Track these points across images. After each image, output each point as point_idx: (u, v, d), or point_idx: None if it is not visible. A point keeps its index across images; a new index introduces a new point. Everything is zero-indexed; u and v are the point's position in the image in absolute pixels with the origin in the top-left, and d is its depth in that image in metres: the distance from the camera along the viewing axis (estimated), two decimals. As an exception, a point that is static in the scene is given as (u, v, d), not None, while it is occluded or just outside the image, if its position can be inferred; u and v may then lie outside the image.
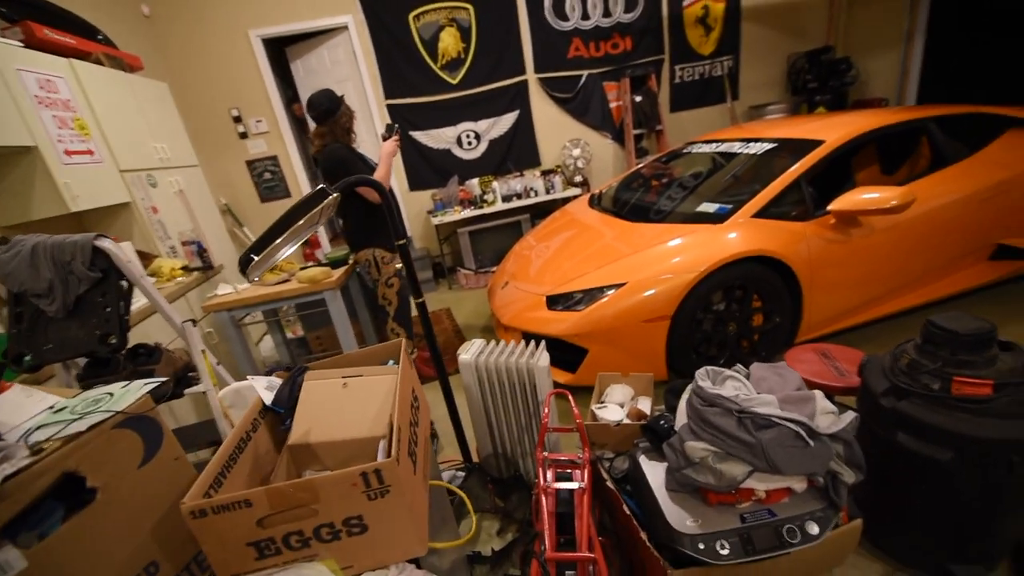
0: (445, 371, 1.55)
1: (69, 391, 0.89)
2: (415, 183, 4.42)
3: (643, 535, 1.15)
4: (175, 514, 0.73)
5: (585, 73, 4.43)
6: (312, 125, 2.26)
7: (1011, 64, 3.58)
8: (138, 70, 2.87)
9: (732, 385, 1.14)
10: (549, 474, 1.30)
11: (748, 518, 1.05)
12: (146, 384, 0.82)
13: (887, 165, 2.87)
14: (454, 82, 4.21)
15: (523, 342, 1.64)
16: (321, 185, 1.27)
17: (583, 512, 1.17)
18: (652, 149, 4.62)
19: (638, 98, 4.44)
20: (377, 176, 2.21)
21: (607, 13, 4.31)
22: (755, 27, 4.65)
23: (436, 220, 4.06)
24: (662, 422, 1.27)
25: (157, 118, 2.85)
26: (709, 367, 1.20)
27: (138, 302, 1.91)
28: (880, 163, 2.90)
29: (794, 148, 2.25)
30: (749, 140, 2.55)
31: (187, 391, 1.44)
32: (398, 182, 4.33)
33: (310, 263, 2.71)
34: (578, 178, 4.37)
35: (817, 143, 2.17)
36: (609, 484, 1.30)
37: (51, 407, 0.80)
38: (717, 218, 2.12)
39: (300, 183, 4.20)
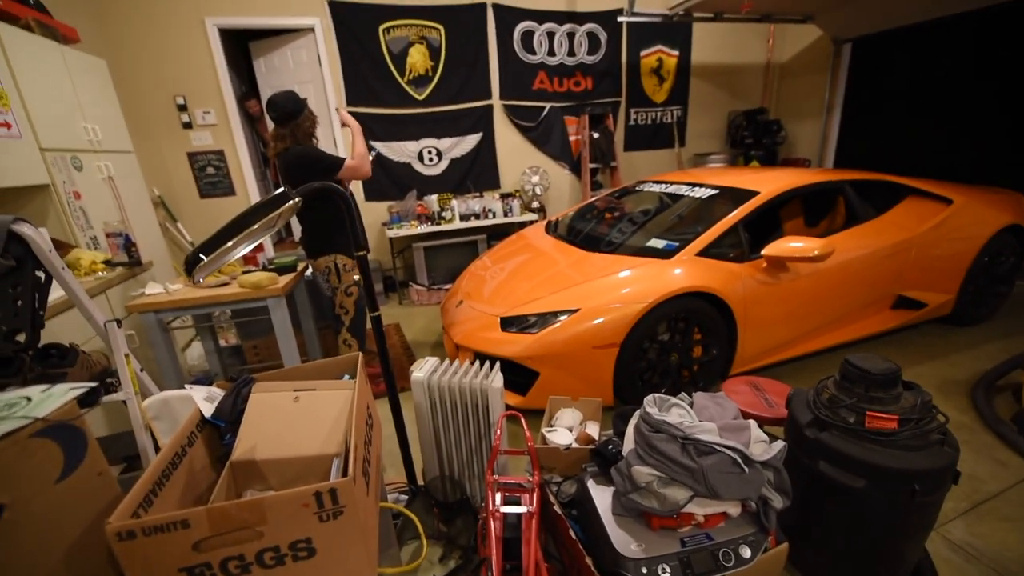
0: (396, 388, 1.51)
1: (-35, 394, 0.77)
2: (372, 194, 4.34)
3: (588, 560, 1.16)
4: (93, 536, 0.65)
5: (548, 105, 4.61)
6: (270, 125, 2.18)
7: (910, 139, 4.18)
8: (73, 42, 2.63)
9: (677, 412, 1.20)
10: (498, 497, 1.29)
11: (688, 542, 1.11)
12: (72, 389, 0.74)
13: (809, 218, 3.21)
14: (420, 98, 4.22)
15: (475, 362, 1.64)
16: (282, 188, 1.22)
17: (531, 537, 1.18)
18: (606, 183, 4.86)
19: (596, 134, 4.69)
20: (357, 152, 2.19)
21: (572, 53, 4.56)
22: (702, 83, 5.10)
23: (391, 233, 3.98)
24: (610, 447, 1.31)
25: (90, 97, 2.61)
26: (656, 395, 1.26)
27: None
28: (804, 216, 3.24)
29: (734, 196, 2.46)
30: (694, 184, 2.77)
31: (104, 399, 1.30)
32: (355, 191, 4.22)
33: (251, 267, 2.55)
34: (535, 204, 4.49)
35: (754, 193, 2.40)
36: (556, 508, 1.31)
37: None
38: (665, 254, 2.26)
39: (247, 181, 3.98)
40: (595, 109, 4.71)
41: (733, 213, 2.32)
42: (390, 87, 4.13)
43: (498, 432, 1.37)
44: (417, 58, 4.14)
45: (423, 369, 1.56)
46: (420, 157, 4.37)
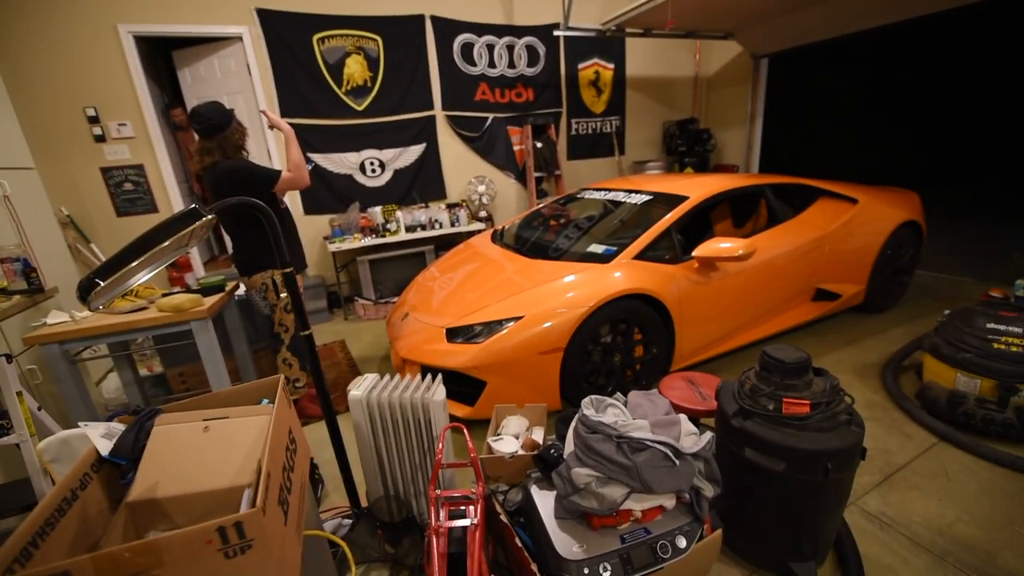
0: (332, 409, 1.45)
1: None
2: (312, 207, 4.18)
3: (534, 567, 1.16)
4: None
5: (491, 116, 4.66)
6: (195, 137, 2.06)
7: (822, 144, 4.58)
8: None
9: (612, 412, 1.23)
10: (443, 513, 1.26)
11: (627, 538, 1.13)
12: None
13: (737, 220, 3.43)
14: (359, 109, 4.14)
15: (420, 376, 1.60)
16: (193, 204, 1.15)
17: (475, 550, 1.16)
18: (551, 191, 4.96)
19: (539, 144, 4.78)
20: (293, 162, 2.12)
21: (512, 65, 4.64)
22: (637, 95, 5.35)
23: (333, 247, 3.85)
24: (552, 451, 1.32)
25: (-21, 109, 2.36)
26: (593, 396, 1.29)
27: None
28: (732, 217, 3.45)
29: (667, 201, 2.58)
30: (631, 191, 2.88)
31: (-11, 444, 1.16)
32: (292, 204, 4.05)
33: (177, 288, 2.37)
34: (483, 213, 4.50)
35: (684, 198, 2.53)
36: (502, 517, 1.30)
37: None
38: (604, 258, 2.33)
39: (171, 197, 3.72)
40: (537, 119, 4.81)
41: (666, 217, 2.43)
42: (328, 98, 4.01)
43: (440, 445, 1.35)
44: (355, 68, 4.06)
45: (361, 387, 1.51)
46: (362, 168, 4.27)
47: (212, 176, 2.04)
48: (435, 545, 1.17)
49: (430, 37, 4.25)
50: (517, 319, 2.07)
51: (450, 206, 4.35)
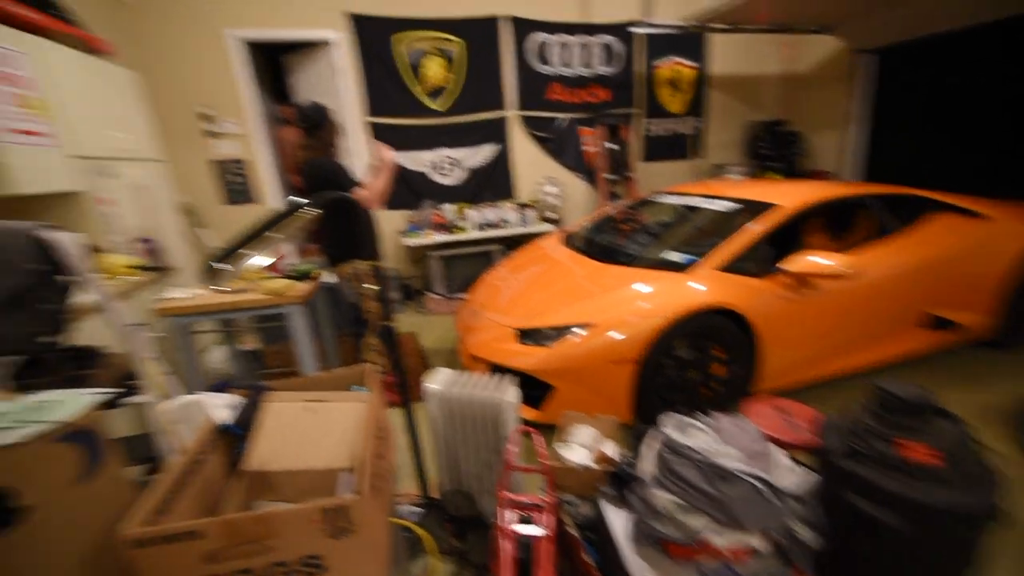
0: (411, 399, 1.50)
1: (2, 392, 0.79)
2: (390, 202, 4.38)
3: (604, 583, 1.13)
4: (109, 539, 0.65)
5: (564, 116, 4.62)
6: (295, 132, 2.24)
7: (935, 155, 4.07)
8: (108, 55, 2.74)
9: (698, 436, 1.17)
10: (510, 515, 1.26)
11: (708, 574, 1.06)
12: (94, 394, 0.75)
13: (833, 231, 3.13)
14: (438, 109, 4.27)
15: (490, 372, 1.62)
16: (294, 198, 1.24)
17: (545, 562, 1.14)
18: (623, 195, 4.83)
19: (612, 145, 4.67)
20: (376, 188, 2.19)
21: (587, 64, 4.57)
22: (718, 93, 5.06)
23: (408, 242, 4.01)
24: (628, 469, 1.27)
25: (123, 108, 2.70)
26: (676, 415, 1.23)
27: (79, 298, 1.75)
28: (827, 229, 3.16)
29: (755, 209, 2.41)
30: (713, 197, 2.72)
31: (127, 401, 1.32)
32: (372, 200, 4.27)
33: (274, 274, 2.59)
34: (551, 214, 4.48)
35: (776, 207, 2.34)
36: (571, 530, 1.28)
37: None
38: (682, 267, 2.22)
39: (268, 189, 4.07)
40: (610, 120, 4.70)
41: (755, 227, 2.27)
42: (406, 98, 4.19)
43: (512, 448, 1.35)
44: (433, 69, 4.20)
45: (438, 380, 1.55)
46: (435, 166, 4.41)
47: (307, 170, 2.21)
48: (503, 548, 1.17)
49: (506, 37, 4.29)
50: (587, 325, 2.03)
51: (519, 206, 4.37)
